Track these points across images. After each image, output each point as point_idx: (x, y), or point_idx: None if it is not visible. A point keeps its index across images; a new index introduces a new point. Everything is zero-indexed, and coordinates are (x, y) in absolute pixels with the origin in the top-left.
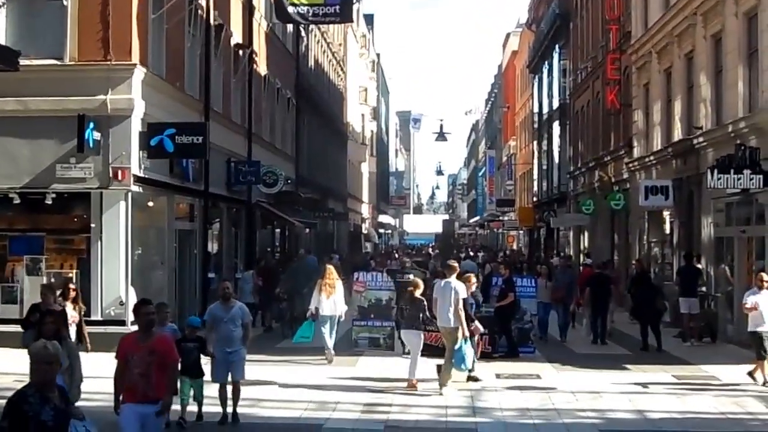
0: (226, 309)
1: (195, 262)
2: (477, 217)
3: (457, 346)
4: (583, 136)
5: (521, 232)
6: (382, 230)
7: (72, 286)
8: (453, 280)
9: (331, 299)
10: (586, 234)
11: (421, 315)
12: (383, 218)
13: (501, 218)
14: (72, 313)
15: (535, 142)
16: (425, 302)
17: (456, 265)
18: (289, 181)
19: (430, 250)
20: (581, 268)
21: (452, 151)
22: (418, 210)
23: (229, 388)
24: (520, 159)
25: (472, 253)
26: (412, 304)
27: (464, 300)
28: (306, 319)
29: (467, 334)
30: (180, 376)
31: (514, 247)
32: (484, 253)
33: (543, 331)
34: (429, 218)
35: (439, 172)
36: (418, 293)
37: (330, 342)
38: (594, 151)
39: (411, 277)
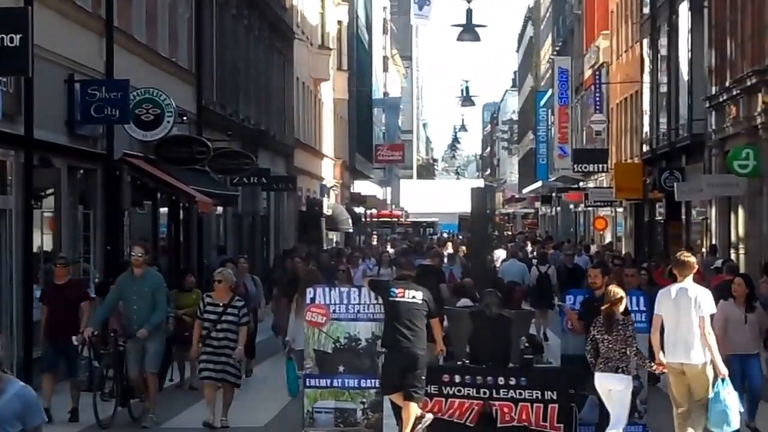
0: None
1: (9, 270)
2: (537, 184)
3: (711, 394)
4: (733, 30)
5: (620, 209)
6: (360, 209)
7: None
8: (690, 284)
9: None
10: (739, 212)
11: (629, 349)
12: (362, 186)
13: (582, 185)
14: None
15: (645, 42)
16: (632, 325)
17: (693, 259)
18: (184, 119)
19: (449, 245)
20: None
21: (490, 61)
22: (426, 171)
23: None
24: (617, 74)
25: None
26: (610, 331)
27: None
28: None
29: (724, 371)
30: None
31: (608, 237)
32: (541, 247)
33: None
34: (447, 186)
35: (467, 100)
36: (620, 310)
37: None
38: (755, 58)
39: (416, 295)
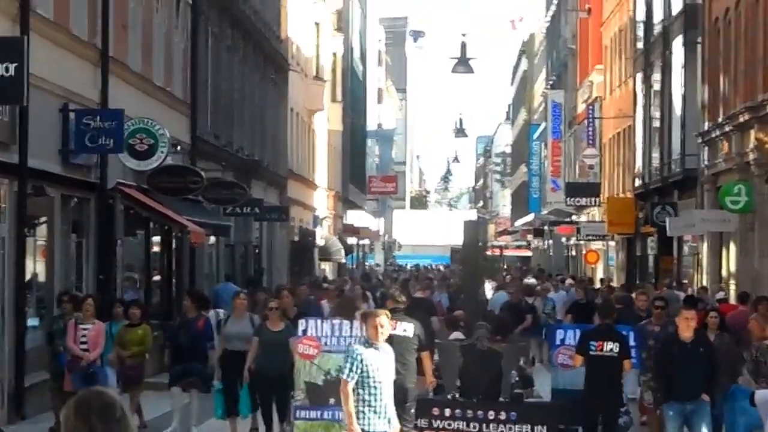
0: None
1: (1, 298)
2: (529, 216)
3: None
4: (727, 67)
5: (612, 243)
6: (353, 240)
7: None
8: None
9: None
10: (731, 248)
11: None
12: (356, 217)
13: (575, 218)
14: None
15: (638, 77)
16: None
17: None
18: (178, 149)
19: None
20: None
21: (484, 94)
22: (419, 203)
23: None
24: (610, 108)
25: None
26: None
27: None
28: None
29: None
30: None
31: (599, 272)
32: (537, 280)
33: None
34: (440, 217)
35: (460, 132)
36: None
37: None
38: (748, 94)
39: (407, 328)
